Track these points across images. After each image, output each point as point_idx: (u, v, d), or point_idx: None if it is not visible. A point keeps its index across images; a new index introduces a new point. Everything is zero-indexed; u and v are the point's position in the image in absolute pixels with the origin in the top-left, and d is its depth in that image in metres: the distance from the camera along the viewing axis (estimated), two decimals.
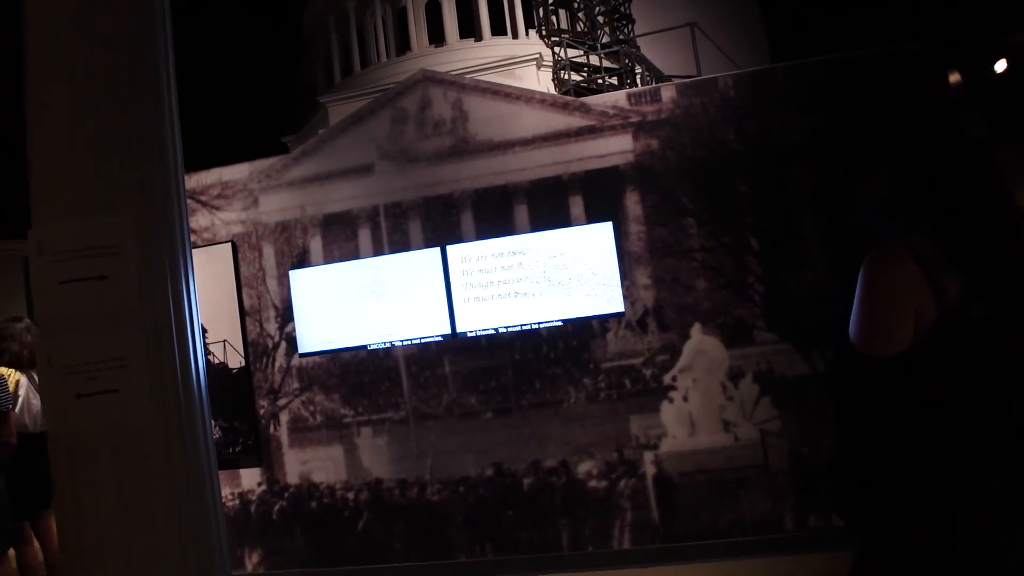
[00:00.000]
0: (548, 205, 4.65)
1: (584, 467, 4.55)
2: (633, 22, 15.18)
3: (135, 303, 2.14)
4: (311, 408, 4.90)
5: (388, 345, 4.77)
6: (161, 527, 2.12)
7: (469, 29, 14.98)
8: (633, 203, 4.59)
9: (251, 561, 4.95)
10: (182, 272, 2.24)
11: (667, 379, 4.49)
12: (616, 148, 4.61)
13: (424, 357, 4.75)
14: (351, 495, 4.82)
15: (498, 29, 14.97)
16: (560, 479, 4.57)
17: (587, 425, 4.55)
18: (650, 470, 4.49)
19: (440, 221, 4.76)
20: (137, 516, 2.11)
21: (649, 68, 13.70)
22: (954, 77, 5.07)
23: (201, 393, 2.24)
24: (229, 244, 5.05)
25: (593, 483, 4.55)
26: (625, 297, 4.50)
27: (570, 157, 4.64)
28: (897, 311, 1.56)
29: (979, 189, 1.67)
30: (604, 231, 4.53)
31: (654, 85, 8.30)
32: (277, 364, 4.97)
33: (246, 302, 5.04)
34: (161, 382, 2.12)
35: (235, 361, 5.00)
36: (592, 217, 4.59)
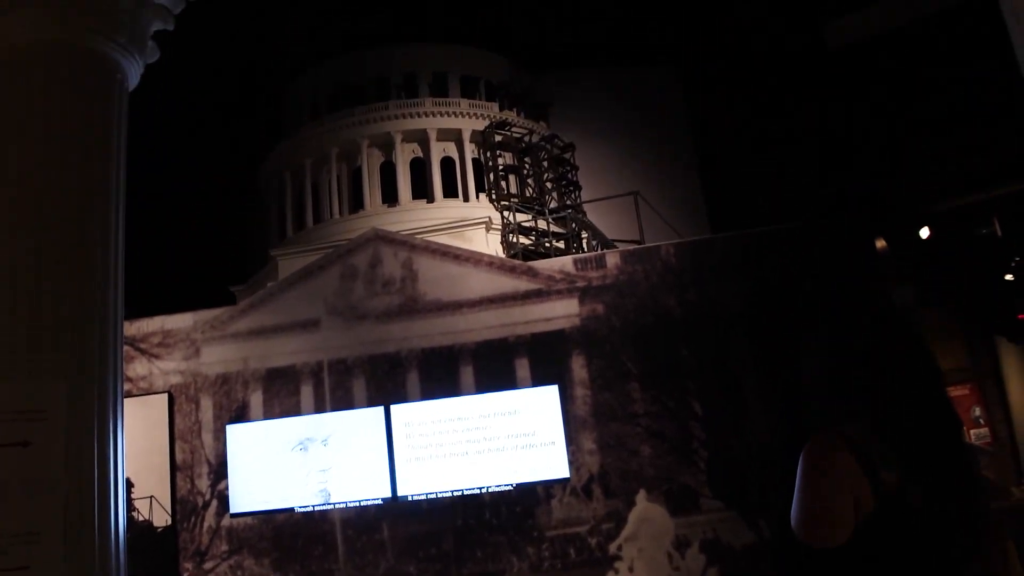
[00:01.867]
0: (494, 366, 4.66)
1: None
2: (580, 189, 15.91)
3: (59, 472, 2.03)
4: (239, 573, 4.61)
5: (325, 507, 4.58)
6: None
7: (422, 190, 15.55)
8: (579, 366, 4.62)
9: None
10: (111, 435, 2.15)
11: (612, 548, 4.37)
12: (562, 312, 4.69)
13: (362, 520, 4.56)
14: None
15: (450, 191, 15.57)
16: None
17: None
18: None
19: (385, 379, 4.72)
20: None
21: (595, 233, 14.21)
22: (880, 244, 5.35)
23: (119, 564, 2.10)
24: (165, 395, 4.89)
25: None
26: (570, 462, 4.45)
27: (517, 319, 4.70)
28: (835, 502, 1.56)
29: (912, 364, 1.71)
30: (550, 394, 4.54)
31: (599, 251, 8.62)
32: (206, 524, 4.71)
33: (178, 456, 4.83)
34: (78, 557, 1.99)
35: (161, 519, 4.72)
36: (538, 379, 4.60)
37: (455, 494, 4.48)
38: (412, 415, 4.60)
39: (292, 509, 4.61)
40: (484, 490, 4.47)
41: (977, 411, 6.21)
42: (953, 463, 1.72)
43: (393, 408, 4.61)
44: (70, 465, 2.04)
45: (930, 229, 6.34)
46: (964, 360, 6.57)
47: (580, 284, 4.71)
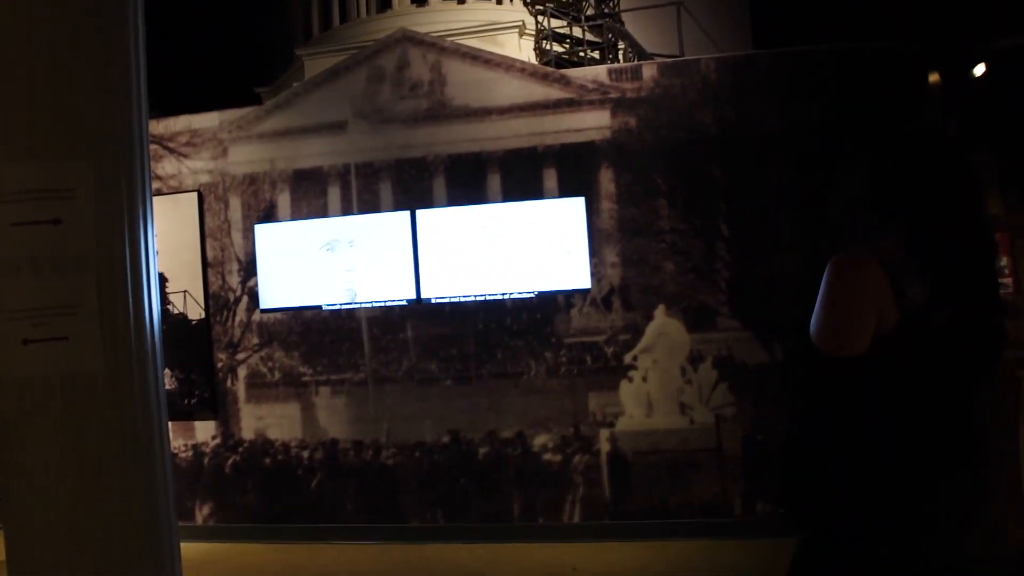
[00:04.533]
0: (521, 176, 4.61)
1: (540, 440, 4.57)
2: None
3: (90, 249, 2.08)
4: (270, 364, 4.85)
5: (351, 306, 4.73)
6: (108, 475, 2.09)
7: None
8: (607, 180, 4.57)
9: (201, 513, 4.92)
10: (140, 219, 2.18)
11: (628, 358, 4.50)
12: (593, 123, 4.58)
13: (387, 320, 4.72)
14: (306, 453, 4.80)
15: None
16: (515, 450, 4.59)
17: (546, 398, 4.56)
18: (604, 447, 4.52)
19: (412, 184, 4.71)
20: (84, 463, 2.07)
21: (632, 44, 13.61)
22: (934, 78, 5.11)
23: (154, 342, 2.19)
24: (195, 194, 4.95)
25: (548, 456, 4.57)
26: (592, 274, 4.50)
27: (546, 129, 4.60)
28: (858, 313, 1.57)
29: (955, 193, 1.67)
30: (576, 206, 4.51)
31: (636, 62, 8.28)
32: (238, 318, 4.91)
33: (209, 254, 4.95)
34: (113, 330, 2.07)
35: (195, 313, 4.92)
36: (565, 191, 4.57)
37: (477, 299, 4.59)
38: (438, 221, 4.62)
39: (320, 307, 4.77)
40: (506, 296, 4.57)
41: (1004, 261, 6.11)
42: (982, 285, 1.71)
43: (419, 213, 4.63)
44: (100, 243, 2.08)
45: (985, 67, 6.00)
46: (999, 208, 6.42)
47: (613, 96, 4.56)
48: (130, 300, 2.11)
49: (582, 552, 4.32)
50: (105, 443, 2.09)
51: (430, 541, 4.60)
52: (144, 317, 2.14)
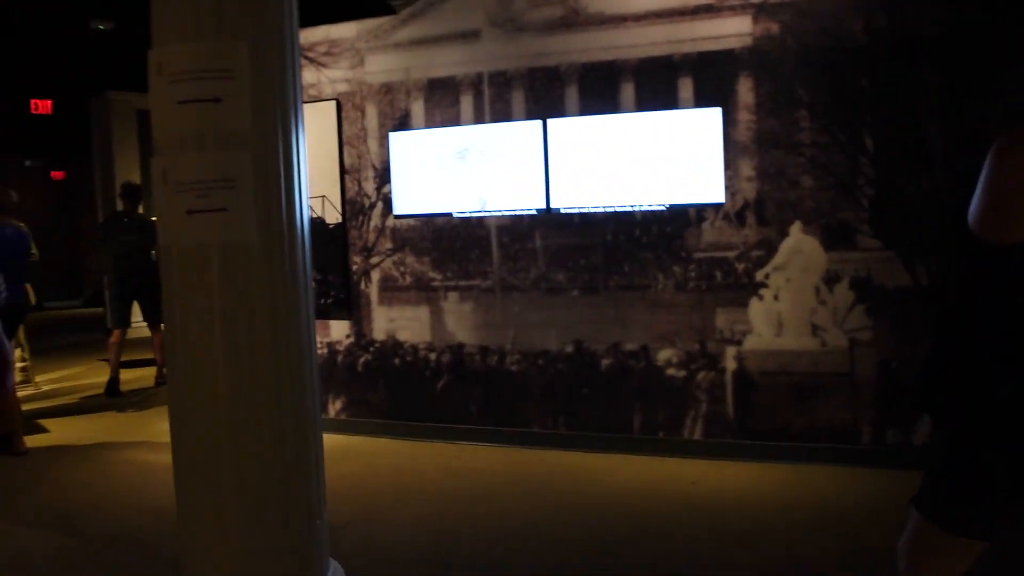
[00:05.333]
0: (656, 85, 4.49)
1: (664, 354, 4.56)
2: None
3: (247, 127, 2.19)
4: (402, 269, 5.03)
5: (481, 214, 4.80)
6: (260, 334, 2.24)
7: None
8: (745, 90, 4.38)
9: (334, 407, 5.22)
10: (292, 99, 2.28)
11: (759, 276, 4.39)
12: (733, 30, 4.38)
13: (516, 229, 4.77)
14: (433, 356, 4.98)
15: None
16: (639, 363, 4.60)
17: (672, 313, 4.53)
18: (730, 365, 4.46)
19: (543, 93, 4.68)
20: (239, 325, 2.23)
21: None
22: None
23: (303, 216, 2.31)
24: (334, 102, 5.10)
25: (671, 371, 4.56)
26: (726, 187, 4.37)
27: (683, 36, 4.44)
28: (1020, 196, 1.47)
29: None
30: (712, 117, 4.37)
31: None
32: (372, 223, 5.08)
33: (347, 160, 5.12)
34: (267, 203, 2.20)
35: (332, 217, 5.13)
36: (701, 101, 4.42)
37: (607, 210, 4.56)
38: (569, 130, 4.59)
39: (450, 214, 4.87)
40: (636, 208, 4.52)
41: None
42: None
43: (550, 122, 4.61)
44: (256, 121, 2.19)
45: None
46: None
47: (755, 1, 4.34)
48: (282, 175, 2.23)
49: (701, 469, 4.32)
50: (257, 308, 2.24)
51: (549, 447, 4.71)
52: (294, 191, 2.26)
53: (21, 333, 6.56)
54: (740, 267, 4.42)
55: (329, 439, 2.69)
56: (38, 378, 7.46)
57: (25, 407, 5.89)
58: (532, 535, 3.55)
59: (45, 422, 5.95)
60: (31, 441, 5.27)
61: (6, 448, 4.93)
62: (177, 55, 2.22)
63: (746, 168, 4.38)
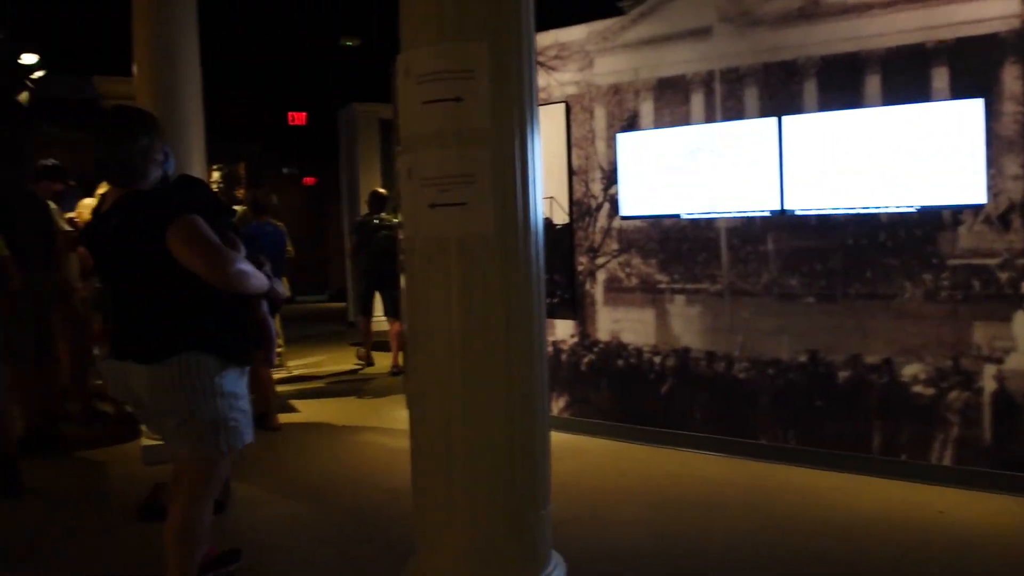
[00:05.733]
0: (905, 76, 4.12)
1: (910, 369, 4.17)
2: None
3: (486, 124, 2.27)
4: (627, 270, 5.00)
5: (711, 216, 4.66)
6: (494, 324, 2.32)
7: None
8: (1012, 78, 3.91)
9: (557, 405, 5.29)
10: (528, 98, 2.33)
11: None
12: (998, 12, 3.91)
13: (747, 232, 4.58)
14: (657, 359, 4.90)
15: None
16: (881, 378, 4.24)
17: (921, 325, 4.13)
18: (989, 385, 3.99)
19: (779, 89, 4.45)
20: (474, 315, 2.31)
21: None
22: None
23: (537, 211, 2.35)
24: (563, 104, 5.18)
25: (918, 388, 4.16)
26: (988, 187, 3.93)
27: (938, 22, 4.03)
28: None
29: None
30: (972, 109, 3.94)
31: None
32: (599, 224, 5.10)
33: (575, 162, 5.18)
34: (503, 198, 2.26)
35: (559, 218, 5.21)
36: (958, 92, 4.00)
37: (848, 212, 4.25)
38: (806, 127, 4.33)
39: (678, 215, 4.77)
40: (881, 210, 4.18)
41: None
42: None
43: (785, 119, 4.38)
44: (495, 120, 2.26)
45: None
46: None
47: None
48: (518, 172, 2.29)
49: (951, 497, 3.91)
50: (492, 300, 2.32)
51: (778, 461, 4.47)
52: (529, 188, 2.31)
53: (277, 322, 7.29)
54: (1003, 276, 3.94)
55: (551, 436, 2.72)
56: (289, 363, 8.25)
57: (279, 388, 6.55)
58: (764, 551, 3.38)
59: (295, 402, 6.57)
60: (284, 418, 5.85)
61: (263, 424, 5.50)
62: (423, 57, 2.35)
63: (1012, 166, 3.90)
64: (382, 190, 8.34)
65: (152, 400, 2.48)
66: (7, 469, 4.33)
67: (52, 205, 5.59)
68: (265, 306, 2.81)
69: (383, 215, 7.69)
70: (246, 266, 2.44)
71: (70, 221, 5.83)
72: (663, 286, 4.87)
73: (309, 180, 17.63)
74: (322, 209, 17.07)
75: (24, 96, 9.67)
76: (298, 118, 16.56)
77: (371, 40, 11.10)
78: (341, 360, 8.88)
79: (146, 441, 4.85)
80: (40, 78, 9.96)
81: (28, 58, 9.21)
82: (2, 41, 8.01)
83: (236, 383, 2.52)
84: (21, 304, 4.96)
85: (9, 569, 3.37)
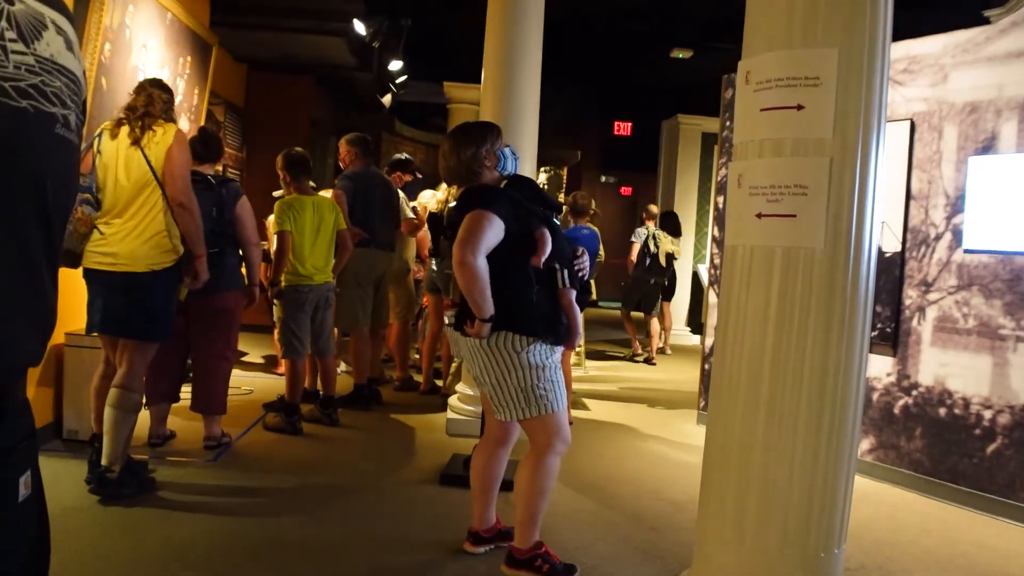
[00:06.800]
0: None
1: None
2: None
3: (827, 135, 2.16)
4: (965, 310, 4.46)
5: None
6: (812, 343, 2.20)
7: None
8: None
9: (860, 447, 4.88)
10: (876, 108, 2.18)
11: None
12: None
13: None
14: (988, 413, 4.32)
15: None
16: None
17: None
18: None
19: None
20: (792, 331, 2.21)
21: None
22: None
23: (871, 235, 2.19)
24: (907, 122, 4.76)
25: None
26: None
27: None
28: None
29: None
30: None
31: None
32: (936, 256, 4.61)
33: (914, 185, 4.74)
34: (837, 211, 2.14)
35: (889, 245, 4.79)
36: None
37: None
38: None
39: None
40: None
41: None
42: None
43: None
44: (836, 130, 2.15)
45: None
46: None
47: None
48: (856, 184, 2.14)
49: None
50: (812, 317, 2.20)
51: None
52: (866, 206, 2.16)
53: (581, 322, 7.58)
54: None
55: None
56: (586, 363, 8.49)
57: (576, 386, 6.81)
58: None
59: (588, 401, 6.76)
60: (576, 414, 6.08)
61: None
62: (766, 64, 2.29)
63: None
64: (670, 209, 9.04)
65: (473, 367, 2.96)
66: (327, 406, 5.36)
67: (400, 194, 6.32)
68: (573, 295, 3.02)
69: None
70: (479, 273, 2.66)
71: (412, 210, 6.54)
72: (1006, 332, 4.27)
73: (626, 190, 18.02)
74: (633, 219, 17.33)
75: (388, 99, 11.00)
76: (624, 128, 17.02)
77: (703, 52, 11.07)
78: (636, 367, 8.99)
79: (451, 415, 5.31)
80: (402, 83, 11.24)
81: (394, 65, 10.44)
82: (377, 50, 9.18)
83: (543, 357, 2.85)
84: (362, 279, 5.75)
85: (302, 499, 3.86)
